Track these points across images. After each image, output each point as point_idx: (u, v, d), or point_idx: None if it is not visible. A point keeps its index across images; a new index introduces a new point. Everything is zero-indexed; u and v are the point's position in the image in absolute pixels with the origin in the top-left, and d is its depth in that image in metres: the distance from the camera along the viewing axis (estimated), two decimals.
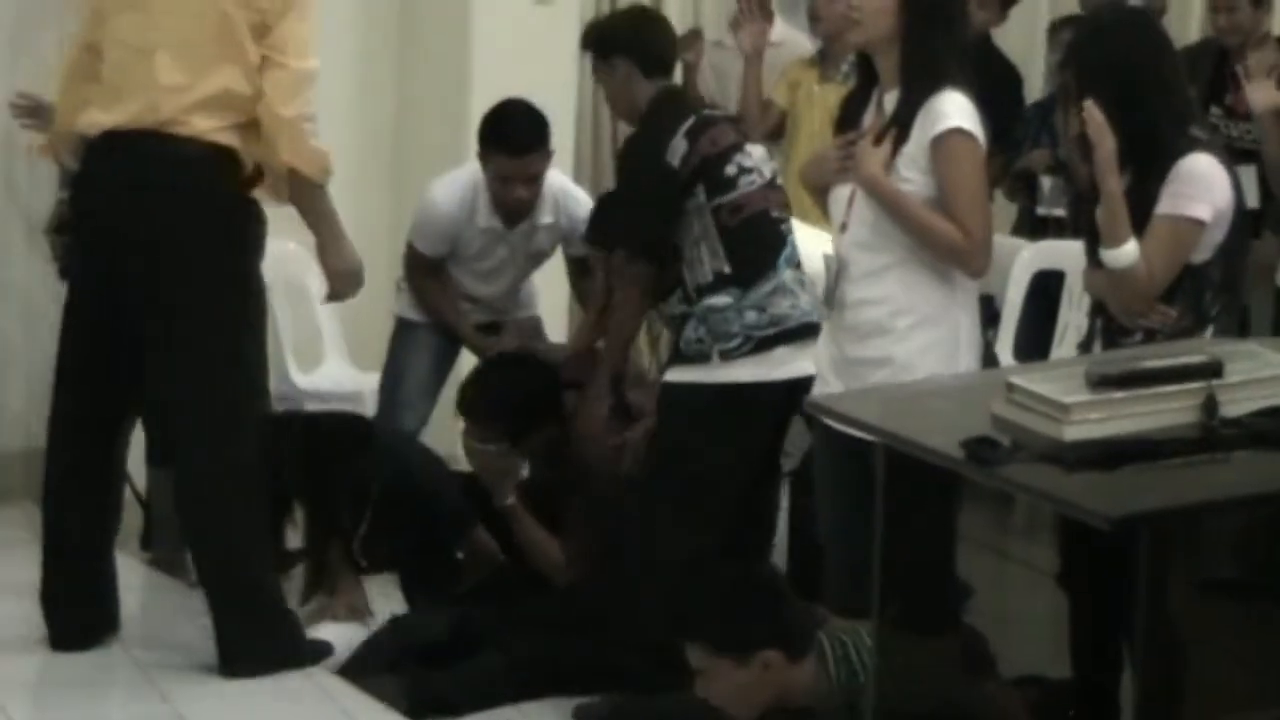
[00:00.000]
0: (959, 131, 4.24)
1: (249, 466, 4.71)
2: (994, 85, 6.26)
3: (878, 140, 4.29)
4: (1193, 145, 4.16)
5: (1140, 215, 4.12)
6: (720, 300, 4.88)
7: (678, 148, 4.93)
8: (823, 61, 6.67)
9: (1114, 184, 4.08)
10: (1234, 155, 5.80)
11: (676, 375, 5.01)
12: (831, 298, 4.42)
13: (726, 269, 4.89)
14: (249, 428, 4.73)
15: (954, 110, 4.25)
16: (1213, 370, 3.22)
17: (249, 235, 4.70)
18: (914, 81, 4.28)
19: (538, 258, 5.96)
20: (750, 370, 4.89)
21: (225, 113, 4.57)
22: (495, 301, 6.00)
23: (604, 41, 5.23)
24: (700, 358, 4.92)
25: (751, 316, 4.87)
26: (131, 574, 5.37)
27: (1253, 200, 5.35)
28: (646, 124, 5.11)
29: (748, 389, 4.89)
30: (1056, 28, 6.90)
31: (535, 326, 6.13)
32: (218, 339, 4.64)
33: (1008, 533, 5.17)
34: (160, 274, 4.57)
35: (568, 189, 5.92)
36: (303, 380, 6.33)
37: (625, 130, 5.87)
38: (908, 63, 4.29)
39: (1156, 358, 3.32)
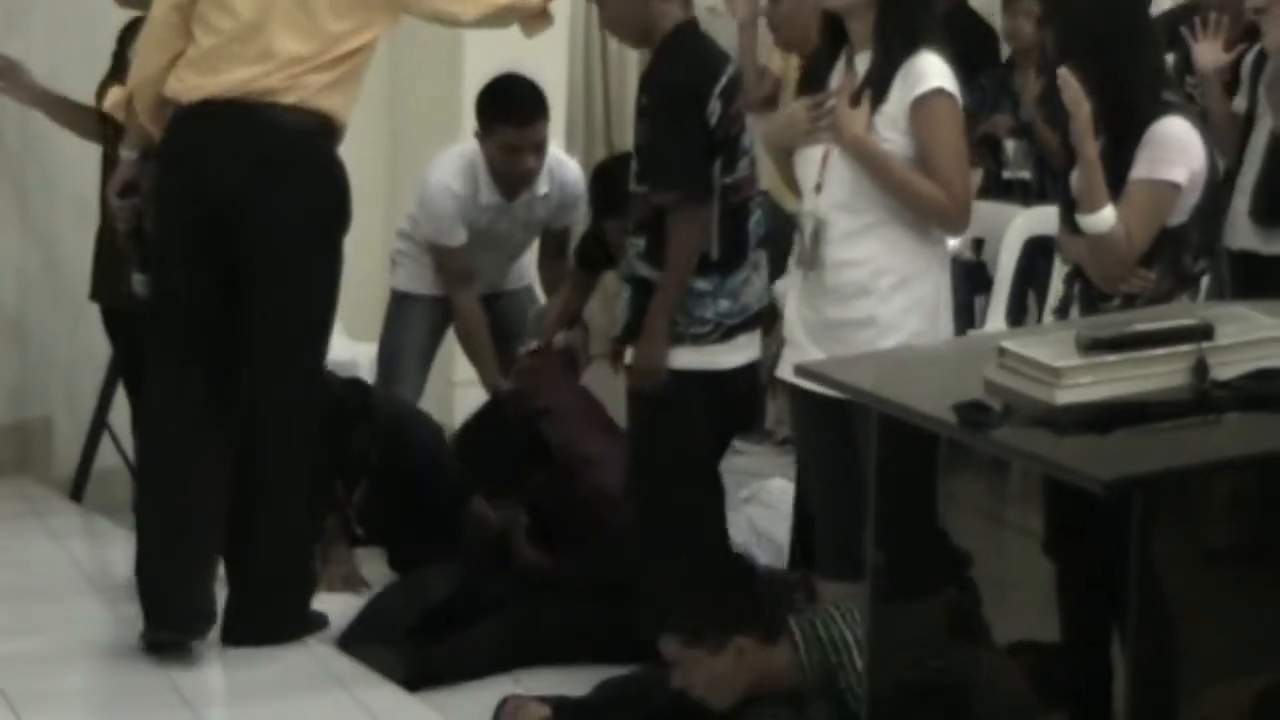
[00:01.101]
0: (940, 92, 4.25)
1: (318, 445, 4.73)
2: (972, 47, 6.29)
3: (854, 101, 4.29)
4: (1166, 109, 4.17)
5: (1115, 179, 4.13)
6: (701, 285, 4.76)
7: (714, 110, 4.74)
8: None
9: (1091, 150, 4.09)
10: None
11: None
12: (810, 259, 4.40)
13: (714, 254, 4.76)
14: (320, 410, 4.75)
15: (934, 71, 4.25)
16: (1203, 333, 3.21)
17: (347, 209, 4.69)
18: (892, 43, 4.28)
19: (535, 229, 5.96)
20: (716, 358, 4.82)
21: (331, 70, 4.56)
22: (493, 275, 6.01)
23: None
24: (672, 339, 4.80)
25: (724, 305, 4.78)
26: (126, 544, 5.40)
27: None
28: (675, 60, 4.81)
29: (713, 375, 4.81)
30: None
31: (528, 297, 6.13)
32: (317, 314, 4.70)
33: (1004, 498, 5.17)
34: (268, 245, 4.54)
35: (561, 159, 5.92)
36: None
37: (619, 101, 5.86)
38: (884, 24, 4.28)
39: (1147, 321, 3.31)
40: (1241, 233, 5.51)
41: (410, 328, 6.03)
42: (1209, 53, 5.62)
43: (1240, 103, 5.65)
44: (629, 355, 4.81)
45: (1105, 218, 4.11)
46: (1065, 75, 4.12)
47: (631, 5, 4.80)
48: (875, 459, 3.59)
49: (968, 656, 4.29)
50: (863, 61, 4.32)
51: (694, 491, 4.84)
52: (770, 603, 4.36)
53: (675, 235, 4.70)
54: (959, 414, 3.17)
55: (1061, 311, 4.35)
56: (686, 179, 4.72)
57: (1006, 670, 4.36)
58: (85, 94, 5.68)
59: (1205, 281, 4.48)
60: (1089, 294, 4.26)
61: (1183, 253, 4.20)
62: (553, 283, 5.99)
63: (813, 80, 4.44)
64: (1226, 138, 5.64)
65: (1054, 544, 4.34)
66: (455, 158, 5.80)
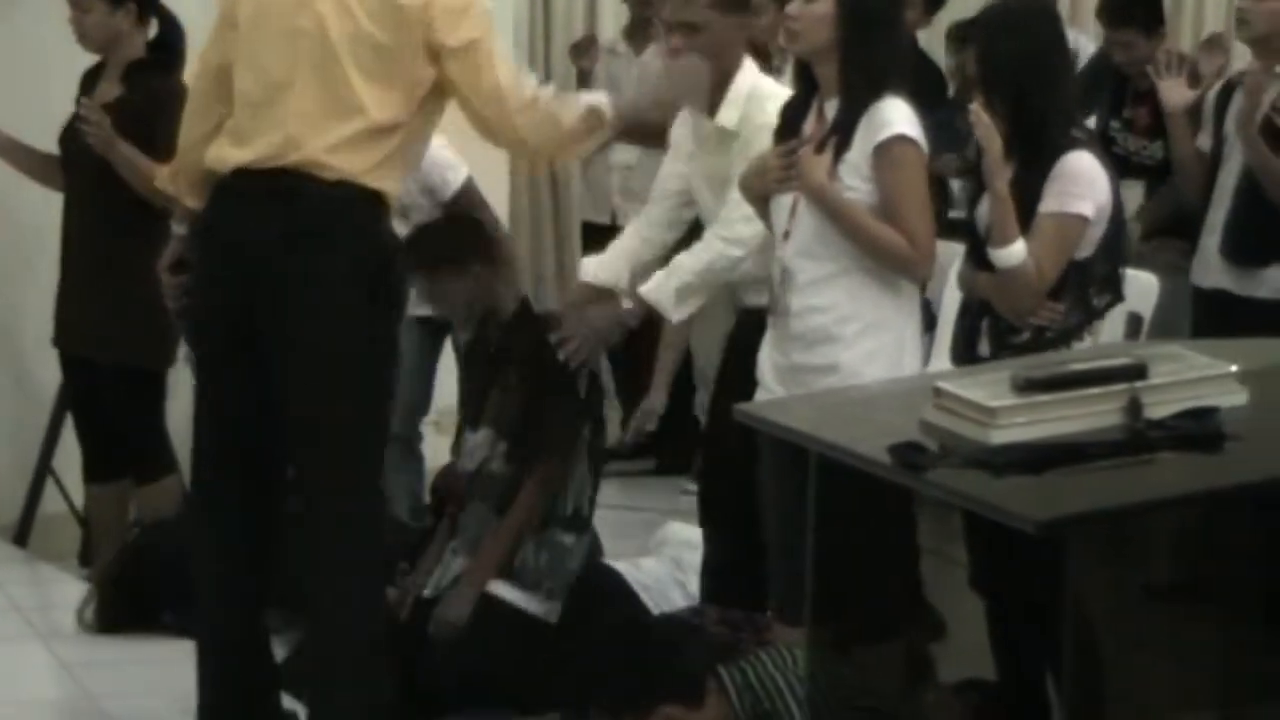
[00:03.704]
0: (903, 139, 4.25)
1: (375, 541, 4.30)
2: (923, 87, 6.32)
3: (819, 149, 4.30)
4: (1074, 143, 4.22)
5: (1024, 211, 4.17)
6: (566, 539, 4.91)
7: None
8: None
9: (1002, 185, 4.14)
10: (1128, 169, 5.91)
11: None
12: (777, 305, 4.43)
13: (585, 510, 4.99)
14: (379, 497, 4.37)
15: (897, 117, 4.26)
16: (1137, 373, 3.23)
17: (399, 293, 4.36)
18: (855, 89, 4.28)
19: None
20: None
21: (374, 149, 4.18)
22: None
23: None
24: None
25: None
26: (71, 590, 5.38)
27: (1129, 212, 5.41)
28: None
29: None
30: (955, 31, 6.92)
31: None
32: (362, 402, 4.22)
33: (950, 538, 5.18)
34: (309, 330, 4.14)
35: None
36: None
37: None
38: (848, 71, 4.29)
39: (1081, 361, 3.33)
40: (1213, 271, 5.54)
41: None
42: (1175, 91, 5.67)
43: (1205, 140, 5.69)
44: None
45: (1016, 251, 4.15)
46: (977, 109, 4.17)
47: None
48: (814, 500, 3.60)
49: (909, 696, 4.30)
50: (832, 108, 4.34)
51: None
52: (693, 664, 4.37)
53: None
54: (894, 455, 3.18)
55: (968, 347, 4.37)
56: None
57: (949, 709, 4.37)
58: (38, 141, 5.68)
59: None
60: (997, 327, 4.29)
61: (1089, 285, 4.25)
62: None
63: (788, 127, 4.45)
64: (1192, 175, 5.69)
65: (992, 582, 4.37)
66: None
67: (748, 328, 4.79)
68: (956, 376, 3.45)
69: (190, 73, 4.41)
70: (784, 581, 4.50)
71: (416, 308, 5.87)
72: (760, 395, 4.45)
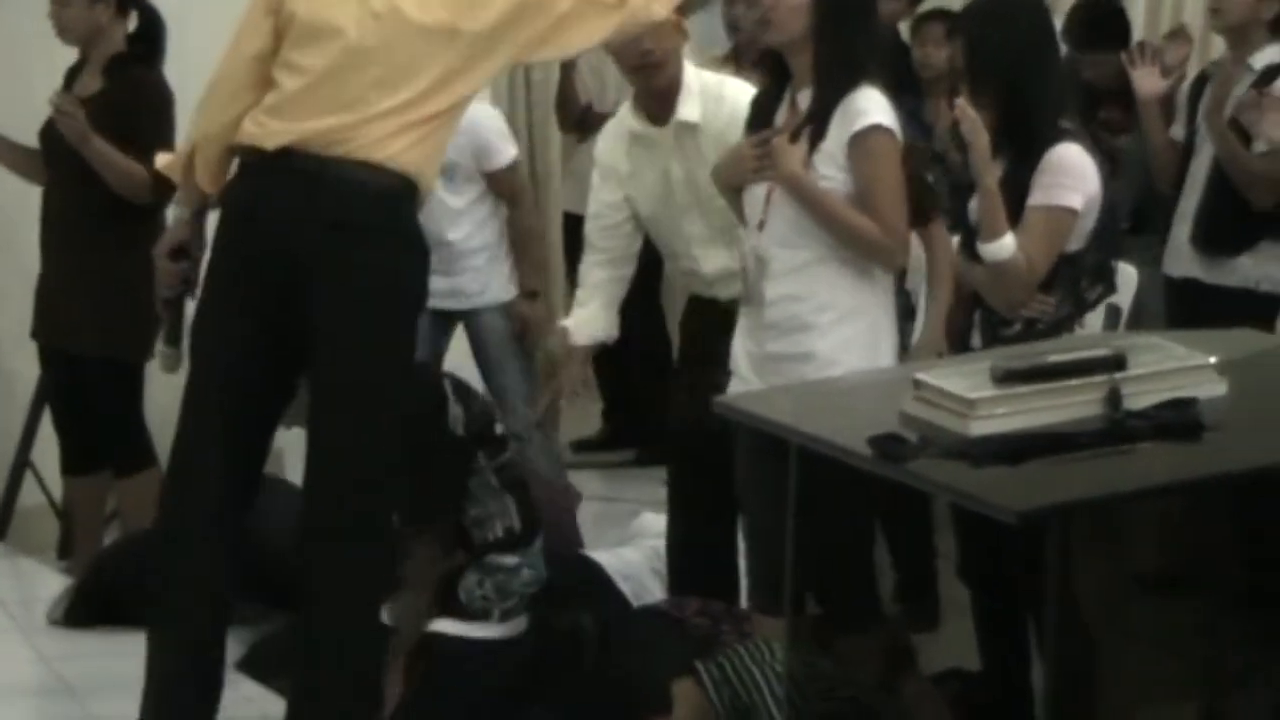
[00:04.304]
0: (878, 128, 4.24)
1: (389, 542, 4.23)
2: (904, 78, 6.31)
3: (794, 138, 4.31)
4: (1062, 136, 4.22)
5: (1014, 204, 4.17)
6: (507, 560, 4.79)
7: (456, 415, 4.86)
8: (737, 59, 6.68)
9: (990, 179, 4.13)
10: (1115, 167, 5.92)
11: None
12: (752, 294, 4.43)
13: (516, 526, 4.83)
14: (398, 491, 4.25)
15: (872, 107, 4.25)
16: (1116, 364, 3.25)
17: (423, 285, 4.27)
18: (830, 79, 4.27)
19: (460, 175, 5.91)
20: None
21: (419, 129, 4.13)
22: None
23: None
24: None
25: (527, 574, 4.79)
26: (50, 583, 5.37)
27: None
28: None
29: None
30: (922, 21, 6.91)
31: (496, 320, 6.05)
32: (387, 395, 4.15)
33: (934, 528, 5.20)
34: (339, 314, 4.07)
35: None
36: None
37: None
38: (823, 61, 4.28)
39: (1060, 352, 3.34)
40: (1184, 260, 5.56)
41: None
42: (1148, 80, 5.68)
43: (1178, 130, 5.71)
44: None
45: (1006, 245, 4.15)
46: (962, 105, 4.16)
47: None
48: (794, 491, 3.61)
49: (890, 685, 4.32)
50: (805, 98, 4.34)
51: None
52: (649, 679, 4.40)
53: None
54: (875, 446, 3.19)
55: (962, 338, 4.39)
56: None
57: (929, 699, 4.38)
58: (20, 135, 5.66)
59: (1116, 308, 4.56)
60: (989, 320, 4.30)
61: (1080, 278, 4.26)
62: (514, 238, 5.92)
63: (760, 116, 4.45)
64: (1165, 165, 5.71)
65: (974, 572, 4.38)
66: None
67: (698, 314, 4.92)
68: (937, 368, 3.45)
69: (223, 56, 4.26)
70: (763, 572, 4.51)
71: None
72: (735, 385, 4.44)
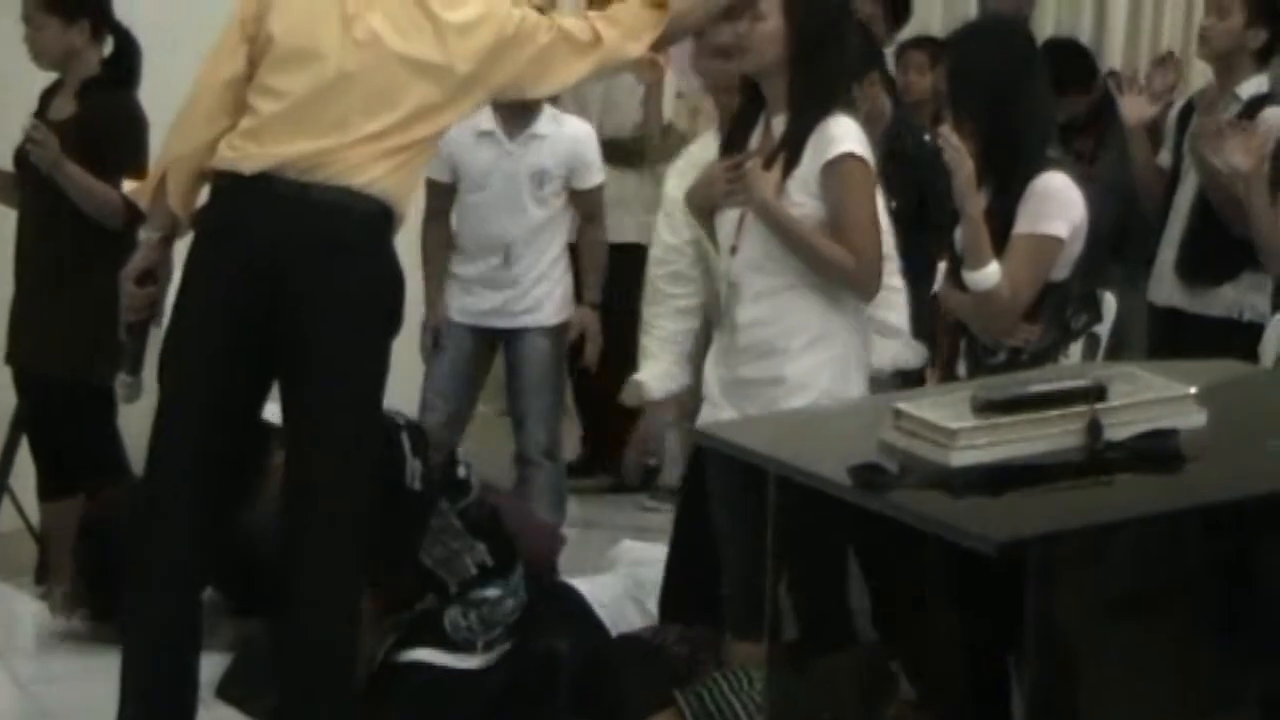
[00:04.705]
0: (851, 156, 4.25)
1: (362, 551, 4.22)
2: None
3: (767, 164, 4.31)
4: (1048, 164, 4.22)
5: (999, 232, 4.17)
6: (490, 593, 4.86)
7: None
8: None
9: (974, 207, 4.13)
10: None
11: None
12: (723, 319, 4.42)
13: (489, 562, 4.92)
14: (367, 521, 4.25)
15: (846, 135, 4.26)
16: (1096, 394, 3.24)
17: (402, 305, 4.27)
18: (804, 106, 4.29)
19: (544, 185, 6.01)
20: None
21: (399, 155, 4.16)
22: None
23: None
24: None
25: (510, 604, 4.88)
26: (27, 608, 5.35)
27: None
28: None
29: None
30: (905, 48, 6.92)
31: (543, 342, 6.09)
32: (364, 417, 4.21)
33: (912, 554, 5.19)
34: (320, 338, 4.10)
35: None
36: None
37: None
38: (797, 88, 4.30)
39: (1041, 382, 3.34)
40: (1168, 287, 5.57)
41: (440, 356, 5.98)
42: (1135, 106, 5.70)
43: (1165, 156, 5.72)
44: None
45: (990, 274, 4.15)
46: (946, 133, 4.16)
47: None
48: (773, 520, 3.60)
49: (870, 712, 4.30)
50: (779, 124, 4.34)
51: None
52: (631, 705, 4.39)
53: None
54: (855, 476, 3.18)
55: (948, 365, 4.38)
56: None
57: None
58: None
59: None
60: (974, 348, 4.30)
61: (1065, 306, 4.25)
62: (587, 252, 6.06)
63: (733, 142, 4.45)
64: (1152, 191, 5.72)
65: (955, 601, 4.37)
66: None
67: None
68: (916, 397, 3.45)
69: (197, 79, 4.29)
70: (737, 597, 4.51)
71: (463, 315, 5.90)
72: (706, 410, 4.45)
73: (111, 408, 5.56)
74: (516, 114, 5.76)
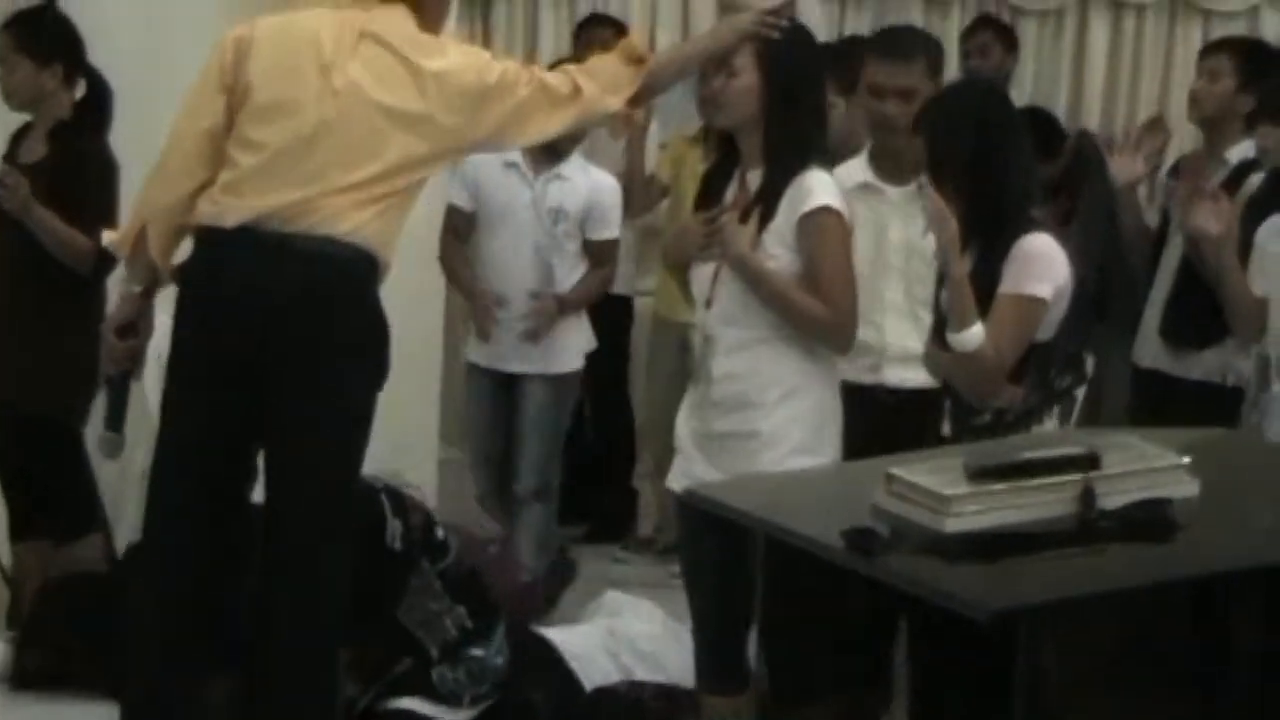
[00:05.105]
0: (827, 210, 4.27)
1: (339, 610, 4.19)
2: None
3: (743, 218, 4.31)
4: (1031, 225, 4.21)
5: (983, 293, 4.16)
6: (475, 652, 4.86)
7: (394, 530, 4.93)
8: (706, 138, 6.68)
9: (958, 268, 4.10)
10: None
11: None
12: (698, 371, 4.42)
13: (469, 624, 4.90)
14: (346, 563, 4.22)
15: (821, 188, 4.28)
16: (1090, 462, 3.24)
17: (388, 356, 4.21)
18: (780, 160, 4.31)
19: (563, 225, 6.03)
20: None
21: (380, 203, 4.13)
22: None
23: None
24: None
25: (499, 661, 4.88)
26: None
27: None
28: None
29: None
30: None
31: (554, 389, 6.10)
32: (343, 467, 4.18)
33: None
34: (304, 390, 4.08)
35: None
36: None
37: None
38: (772, 142, 4.32)
39: (1035, 449, 3.34)
40: (1152, 350, 5.58)
41: (470, 402, 6.03)
42: (1126, 166, 5.71)
43: (1153, 218, 5.74)
44: None
45: (974, 335, 4.13)
46: (931, 194, 4.14)
47: None
48: (762, 581, 3.59)
49: None
50: (755, 177, 4.35)
51: None
52: None
53: None
54: (847, 540, 3.18)
55: (932, 424, 4.38)
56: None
57: None
58: None
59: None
60: (959, 408, 4.28)
61: (1050, 367, 4.25)
62: (591, 290, 6.07)
63: (709, 195, 4.45)
64: (1140, 251, 5.73)
65: (944, 665, 4.35)
66: None
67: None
68: (909, 461, 3.44)
69: (173, 129, 4.26)
70: (709, 653, 4.49)
71: (475, 354, 5.97)
72: (678, 463, 4.45)
73: (78, 449, 5.52)
74: (546, 153, 5.79)
